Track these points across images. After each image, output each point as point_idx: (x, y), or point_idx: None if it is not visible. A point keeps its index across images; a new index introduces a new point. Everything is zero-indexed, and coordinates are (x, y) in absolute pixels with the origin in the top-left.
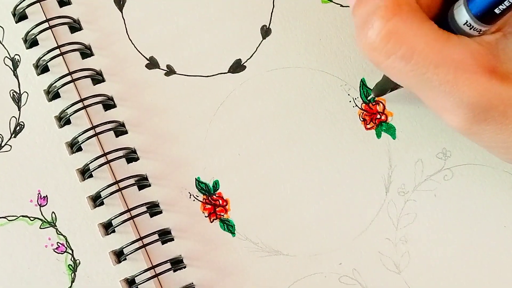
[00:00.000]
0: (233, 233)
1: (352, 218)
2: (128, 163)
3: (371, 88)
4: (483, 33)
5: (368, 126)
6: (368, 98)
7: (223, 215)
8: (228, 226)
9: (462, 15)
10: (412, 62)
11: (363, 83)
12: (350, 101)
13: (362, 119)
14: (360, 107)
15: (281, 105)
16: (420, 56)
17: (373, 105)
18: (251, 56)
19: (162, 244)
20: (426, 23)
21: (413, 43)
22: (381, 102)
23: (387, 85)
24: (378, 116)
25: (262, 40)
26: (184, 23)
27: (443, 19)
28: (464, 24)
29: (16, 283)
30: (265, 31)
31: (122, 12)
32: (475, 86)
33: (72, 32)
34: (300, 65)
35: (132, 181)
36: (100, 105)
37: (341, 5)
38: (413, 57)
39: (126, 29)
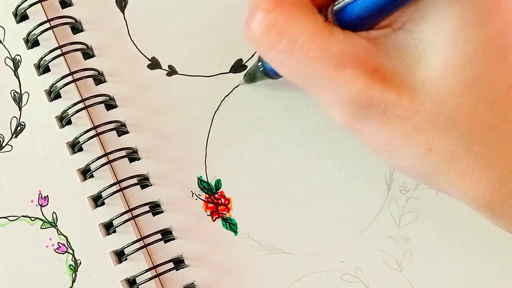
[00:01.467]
0: (235, 232)
1: (354, 216)
2: (130, 162)
3: None
4: (371, 28)
5: None
6: (240, 83)
7: (225, 214)
8: (231, 225)
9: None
10: (293, 56)
11: None
12: None
13: None
14: None
15: (282, 103)
16: (301, 50)
17: None
18: (252, 55)
19: (165, 243)
20: (310, 16)
21: (294, 36)
22: None
23: (256, 73)
24: None
25: None
26: (185, 23)
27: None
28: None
29: (17, 283)
30: None
31: (123, 13)
32: (355, 82)
33: (73, 33)
34: None
35: (133, 181)
36: (102, 105)
37: None
38: (294, 50)
39: (127, 29)
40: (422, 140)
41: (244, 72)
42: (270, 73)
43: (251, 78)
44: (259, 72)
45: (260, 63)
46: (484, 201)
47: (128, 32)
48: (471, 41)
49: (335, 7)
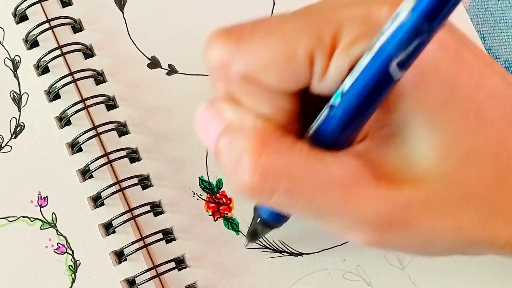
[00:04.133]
0: (237, 231)
1: None
2: (131, 163)
3: None
4: (351, 145)
5: None
6: (245, 246)
7: (227, 214)
8: (232, 224)
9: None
10: (296, 194)
11: None
12: None
13: None
14: None
15: None
16: (303, 185)
17: None
18: None
19: (166, 243)
20: (295, 148)
21: (291, 173)
22: None
23: (257, 228)
24: None
25: None
26: (185, 22)
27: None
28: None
29: (16, 283)
30: None
31: (123, 12)
32: (366, 199)
33: (73, 33)
34: None
35: (133, 181)
36: (102, 105)
37: None
38: (296, 187)
39: (127, 29)
40: (450, 224)
41: (246, 234)
42: (272, 223)
43: (253, 235)
44: (260, 226)
45: (259, 219)
46: None
47: (128, 31)
48: (447, 119)
49: (310, 133)
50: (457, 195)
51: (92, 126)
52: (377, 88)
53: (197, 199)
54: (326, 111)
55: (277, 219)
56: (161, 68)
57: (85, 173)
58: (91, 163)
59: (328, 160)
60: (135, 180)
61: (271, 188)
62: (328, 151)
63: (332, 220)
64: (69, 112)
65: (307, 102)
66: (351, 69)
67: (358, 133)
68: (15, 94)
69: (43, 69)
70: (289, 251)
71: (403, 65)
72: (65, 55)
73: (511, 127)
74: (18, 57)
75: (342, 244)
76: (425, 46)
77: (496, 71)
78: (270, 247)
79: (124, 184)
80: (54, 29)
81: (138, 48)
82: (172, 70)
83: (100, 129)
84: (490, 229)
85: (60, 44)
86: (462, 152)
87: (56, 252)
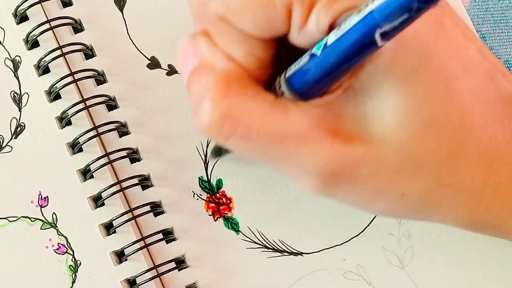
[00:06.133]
0: (237, 231)
1: (355, 214)
2: (131, 163)
3: None
4: (323, 94)
5: None
6: (207, 160)
7: (227, 214)
8: (232, 224)
9: (284, 89)
10: (251, 141)
11: None
12: None
13: None
14: None
15: None
16: (259, 134)
17: None
18: None
19: (167, 243)
20: (260, 97)
21: (249, 121)
22: None
23: (218, 150)
24: None
25: None
26: (184, 22)
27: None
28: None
29: (17, 284)
30: None
31: (122, 13)
32: (318, 154)
33: (73, 33)
34: None
35: (133, 181)
36: (102, 105)
37: None
38: (252, 135)
39: (127, 29)
40: (394, 189)
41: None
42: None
43: (216, 152)
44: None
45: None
46: (464, 221)
47: (127, 32)
48: (416, 85)
49: (287, 74)
50: (407, 163)
51: (93, 126)
52: (359, 50)
53: (197, 199)
54: (306, 58)
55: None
56: (161, 68)
57: (86, 173)
58: (91, 163)
59: (291, 112)
60: (135, 180)
61: (227, 132)
62: (294, 100)
63: (285, 169)
64: (70, 112)
65: (281, 52)
66: (331, 25)
67: (329, 87)
68: (15, 94)
69: (43, 70)
70: (289, 251)
71: (387, 36)
72: (66, 56)
73: (478, 102)
74: (18, 57)
75: (343, 243)
76: (412, 22)
77: (475, 45)
78: (270, 247)
79: (124, 184)
80: (54, 29)
81: (137, 48)
82: (172, 71)
83: (100, 130)
84: (434, 199)
85: (61, 45)
86: (422, 120)
87: (56, 252)
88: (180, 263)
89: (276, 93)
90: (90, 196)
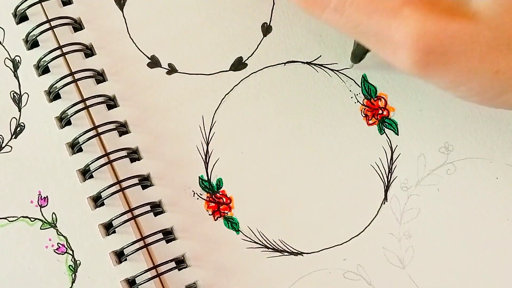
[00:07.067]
0: (237, 231)
1: (356, 214)
2: (131, 163)
3: (372, 83)
4: None
5: (370, 122)
6: (349, 66)
7: (227, 213)
8: (232, 224)
9: None
10: (345, 14)
11: (364, 78)
12: (352, 97)
13: (364, 115)
14: (362, 102)
15: (283, 102)
16: (352, 7)
17: (375, 101)
18: (252, 53)
19: (167, 243)
20: None
21: None
22: (383, 98)
23: (360, 50)
24: (380, 112)
25: (263, 38)
26: (185, 21)
27: None
28: None
29: (17, 284)
30: (266, 29)
31: (122, 11)
32: (408, 29)
33: (73, 32)
34: (301, 61)
35: (133, 181)
36: (102, 105)
37: None
38: (345, 8)
39: (127, 28)
40: (488, 66)
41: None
42: None
43: (356, 56)
44: (360, 46)
45: None
46: None
47: (128, 30)
48: None
49: None
50: (501, 39)
51: (92, 126)
52: None
53: (197, 198)
54: None
55: None
56: (161, 67)
57: (85, 173)
58: (91, 163)
59: None
60: (135, 180)
61: (322, 2)
62: None
63: (378, 45)
64: (69, 112)
65: None
66: None
67: None
68: (15, 94)
69: (43, 69)
70: (289, 251)
71: None
72: (65, 55)
73: None
74: (18, 57)
75: (343, 243)
76: None
77: None
78: (270, 247)
79: (124, 184)
80: (54, 29)
81: (138, 47)
82: (172, 69)
83: (100, 129)
84: None
85: (61, 44)
86: None
87: (56, 252)
88: (180, 262)
89: None
90: (90, 196)
